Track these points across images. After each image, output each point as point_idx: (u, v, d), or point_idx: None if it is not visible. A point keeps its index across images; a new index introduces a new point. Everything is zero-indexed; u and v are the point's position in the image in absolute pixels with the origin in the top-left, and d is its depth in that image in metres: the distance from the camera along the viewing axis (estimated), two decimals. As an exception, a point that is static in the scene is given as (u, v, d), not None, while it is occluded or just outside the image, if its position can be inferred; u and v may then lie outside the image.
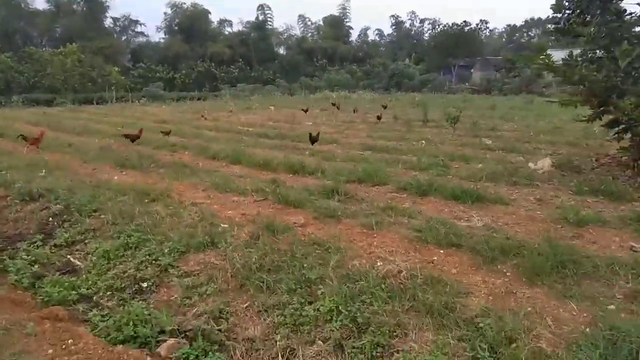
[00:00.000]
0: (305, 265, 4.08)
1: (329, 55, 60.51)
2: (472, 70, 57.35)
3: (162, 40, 58.33)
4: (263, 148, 10.86)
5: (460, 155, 9.48)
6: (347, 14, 67.10)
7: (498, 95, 36.01)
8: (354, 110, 21.03)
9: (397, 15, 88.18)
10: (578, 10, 7.45)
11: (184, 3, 56.70)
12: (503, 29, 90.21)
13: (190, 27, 56.21)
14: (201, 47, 55.27)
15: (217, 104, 29.45)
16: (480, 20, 78.81)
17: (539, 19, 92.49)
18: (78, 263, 4.74)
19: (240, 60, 55.43)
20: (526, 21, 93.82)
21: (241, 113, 21.68)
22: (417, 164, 8.58)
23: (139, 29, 60.87)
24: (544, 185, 7.07)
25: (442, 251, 4.47)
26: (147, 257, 4.52)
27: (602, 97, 7.62)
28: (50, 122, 16.20)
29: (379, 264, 4.09)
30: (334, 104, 23.42)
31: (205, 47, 55.21)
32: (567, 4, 7.35)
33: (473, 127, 14.29)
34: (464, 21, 56.78)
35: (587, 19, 7.37)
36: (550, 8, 7.45)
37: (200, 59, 53.32)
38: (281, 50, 65.43)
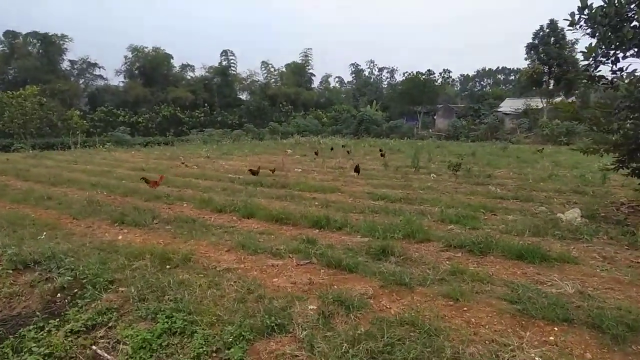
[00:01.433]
0: (411, 356, 3.33)
1: (292, 100, 61.00)
2: (434, 117, 59.28)
3: (121, 84, 56.70)
4: (267, 198, 10.06)
5: (479, 206, 9.07)
6: (310, 61, 68.32)
7: (466, 141, 36.93)
8: (348, 152, 21.04)
9: (357, 64, 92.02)
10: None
11: (146, 47, 55.88)
12: (457, 79, 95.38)
13: (151, 71, 55.24)
14: (162, 92, 54.15)
15: (189, 149, 28.30)
16: (444, 70, 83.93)
17: (490, 69, 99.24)
18: (109, 357, 3.75)
19: (205, 104, 54.70)
20: (478, 71, 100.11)
21: (220, 159, 20.75)
22: (443, 215, 8.07)
23: (97, 72, 58.87)
24: (593, 239, 6.68)
25: (555, 328, 3.84)
26: (204, 347, 3.61)
27: (633, 146, 7.54)
28: (18, 172, 14.68)
29: (502, 352, 3.40)
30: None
31: (166, 91, 54.15)
32: (599, 51, 7.24)
33: (468, 173, 14.14)
34: (428, 70, 59.03)
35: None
36: (581, 52, 7.31)
37: (163, 103, 52.13)
38: (244, 96, 65.22)
